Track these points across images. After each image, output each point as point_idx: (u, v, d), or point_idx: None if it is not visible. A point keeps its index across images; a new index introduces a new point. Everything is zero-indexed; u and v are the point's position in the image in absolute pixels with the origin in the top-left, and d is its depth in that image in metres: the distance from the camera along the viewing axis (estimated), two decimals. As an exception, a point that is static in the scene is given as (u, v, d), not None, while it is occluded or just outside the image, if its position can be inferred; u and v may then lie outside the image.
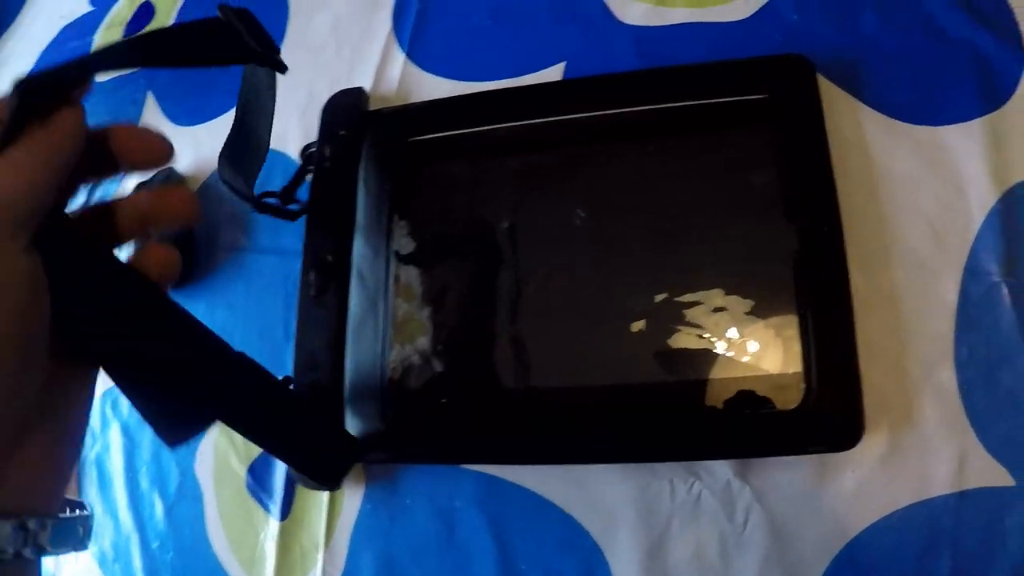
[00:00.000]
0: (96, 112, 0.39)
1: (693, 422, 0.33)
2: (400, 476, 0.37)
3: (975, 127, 0.36)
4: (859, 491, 0.33)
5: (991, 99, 0.36)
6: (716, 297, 0.33)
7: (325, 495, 0.37)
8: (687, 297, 0.33)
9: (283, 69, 0.24)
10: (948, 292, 0.34)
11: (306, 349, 0.36)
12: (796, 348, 0.32)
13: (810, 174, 0.34)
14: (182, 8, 0.51)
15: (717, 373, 0.33)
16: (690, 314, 0.33)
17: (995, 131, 0.36)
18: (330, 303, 0.36)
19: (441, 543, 0.36)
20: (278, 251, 0.41)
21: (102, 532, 0.42)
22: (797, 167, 0.34)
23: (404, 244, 0.37)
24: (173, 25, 0.31)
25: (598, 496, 0.34)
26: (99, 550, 0.42)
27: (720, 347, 0.33)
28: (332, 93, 0.40)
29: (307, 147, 0.40)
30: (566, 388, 0.34)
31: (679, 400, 0.33)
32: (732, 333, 0.33)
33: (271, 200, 0.39)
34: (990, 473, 0.33)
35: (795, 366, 0.32)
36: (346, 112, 0.39)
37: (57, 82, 0.17)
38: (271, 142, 0.34)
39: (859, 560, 0.33)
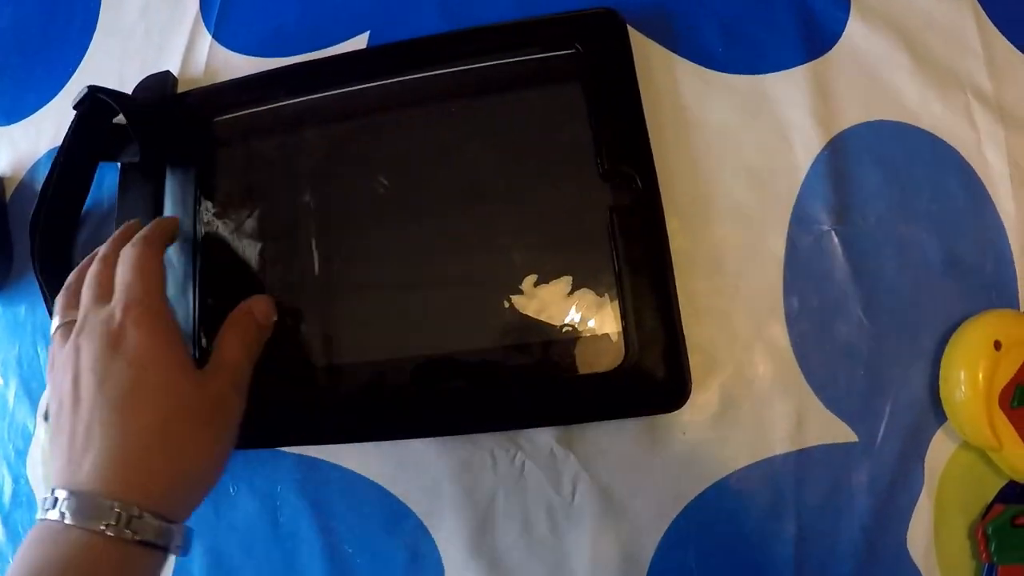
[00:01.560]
0: None
1: (512, 389, 0.32)
2: None
3: (798, 74, 0.36)
4: (692, 454, 0.33)
5: (815, 46, 0.36)
6: (530, 260, 0.33)
7: None
8: (499, 261, 0.33)
9: None
10: (775, 245, 0.34)
11: None
12: (614, 308, 0.32)
13: (622, 127, 0.33)
14: None
15: (533, 337, 0.32)
16: (503, 278, 0.33)
17: (819, 78, 0.36)
18: None
19: (267, 531, 0.35)
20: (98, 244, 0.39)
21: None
22: (609, 121, 0.33)
23: (210, 227, 0.36)
24: None
25: (419, 473, 0.34)
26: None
27: (536, 311, 0.32)
28: (139, 77, 0.40)
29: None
30: (379, 362, 0.33)
31: (497, 368, 0.32)
32: (548, 296, 0.32)
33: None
34: (831, 429, 0.32)
35: (614, 327, 0.31)
36: (152, 96, 0.39)
37: None
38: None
39: (697, 525, 0.32)
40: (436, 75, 0.35)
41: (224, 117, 0.37)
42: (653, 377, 0.31)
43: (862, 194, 0.34)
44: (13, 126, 0.46)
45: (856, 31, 0.36)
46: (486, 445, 0.33)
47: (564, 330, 0.32)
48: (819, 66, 0.36)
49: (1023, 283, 0.33)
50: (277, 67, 0.38)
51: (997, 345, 0.31)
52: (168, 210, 0.37)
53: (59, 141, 0.42)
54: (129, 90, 0.39)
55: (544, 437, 0.33)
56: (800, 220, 0.34)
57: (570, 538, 0.32)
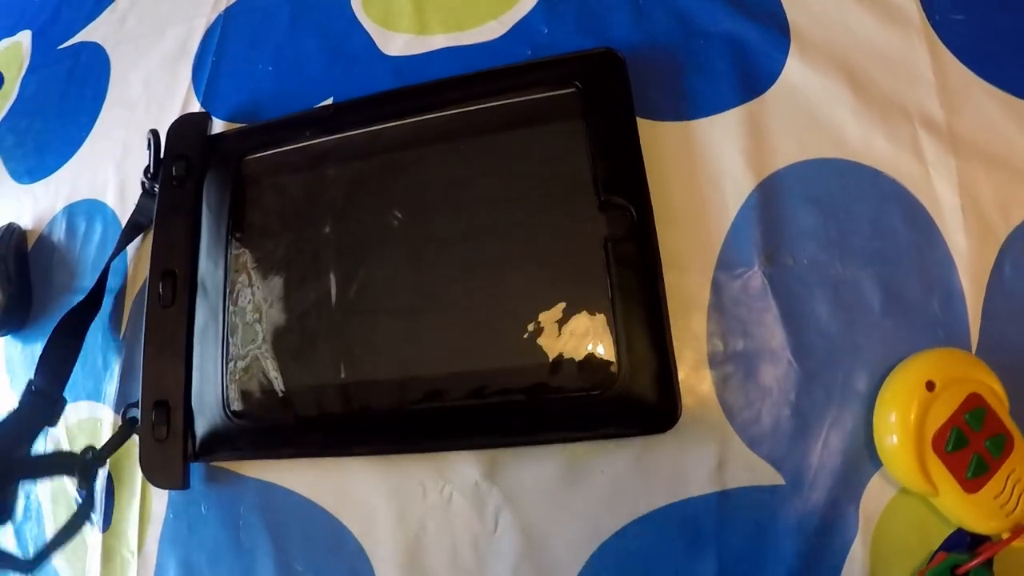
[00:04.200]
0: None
1: (506, 408, 0.36)
2: (195, 485, 0.42)
3: (730, 117, 0.39)
4: (611, 491, 0.36)
5: (750, 88, 0.39)
6: (530, 287, 0.37)
7: (136, 505, 0.44)
8: (500, 288, 0.37)
9: None
10: (700, 289, 0.37)
11: (155, 356, 0.43)
12: (609, 333, 0.35)
13: (619, 160, 0.37)
14: (26, 73, 0.62)
15: (530, 359, 0.36)
16: (504, 304, 0.37)
17: (753, 120, 0.39)
18: (176, 314, 0.43)
19: (230, 548, 0.41)
20: (98, 291, 0.49)
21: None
22: (606, 155, 0.37)
23: (240, 255, 0.43)
24: None
25: (359, 498, 0.39)
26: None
27: (534, 335, 0.36)
28: (142, 145, 0.48)
29: (147, 169, 0.47)
30: (384, 381, 0.38)
31: (492, 388, 0.36)
32: (546, 321, 0.36)
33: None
34: (755, 472, 0.35)
35: (608, 350, 0.35)
36: (190, 134, 0.46)
37: None
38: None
39: (615, 561, 0.35)
40: (447, 116, 0.41)
41: (254, 156, 0.44)
42: (645, 400, 0.34)
43: (793, 235, 0.37)
44: (35, 184, 0.56)
45: (794, 70, 0.39)
46: (416, 475, 0.38)
47: (560, 353, 0.36)
48: (753, 107, 0.39)
49: (975, 320, 0.35)
50: (308, 110, 0.45)
51: (930, 386, 0.33)
52: (204, 237, 0.44)
53: (74, 199, 0.51)
54: (134, 156, 0.48)
55: (470, 471, 0.37)
56: (726, 264, 0.37)
57: (493, 568, 0.36)
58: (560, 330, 0.36)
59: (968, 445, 0.32)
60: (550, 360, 0.36)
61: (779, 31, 0.40)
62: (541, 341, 0.36)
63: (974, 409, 0.33)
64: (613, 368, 0.35)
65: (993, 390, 0.33)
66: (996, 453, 0.32)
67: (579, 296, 0.36)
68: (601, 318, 0.36)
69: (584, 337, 0.36)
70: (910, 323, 0.35)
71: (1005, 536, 0.32)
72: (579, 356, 0.36)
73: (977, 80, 0.38)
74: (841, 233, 0.37)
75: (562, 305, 0.36)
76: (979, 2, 0.40)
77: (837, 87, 0.39)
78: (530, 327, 0.36)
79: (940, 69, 0.38)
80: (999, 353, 0.35)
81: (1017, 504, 0.32)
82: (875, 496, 0.34)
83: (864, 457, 0.34)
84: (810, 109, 0.39)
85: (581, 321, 0.36)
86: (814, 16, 0.40)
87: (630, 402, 0.35)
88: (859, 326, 0.36)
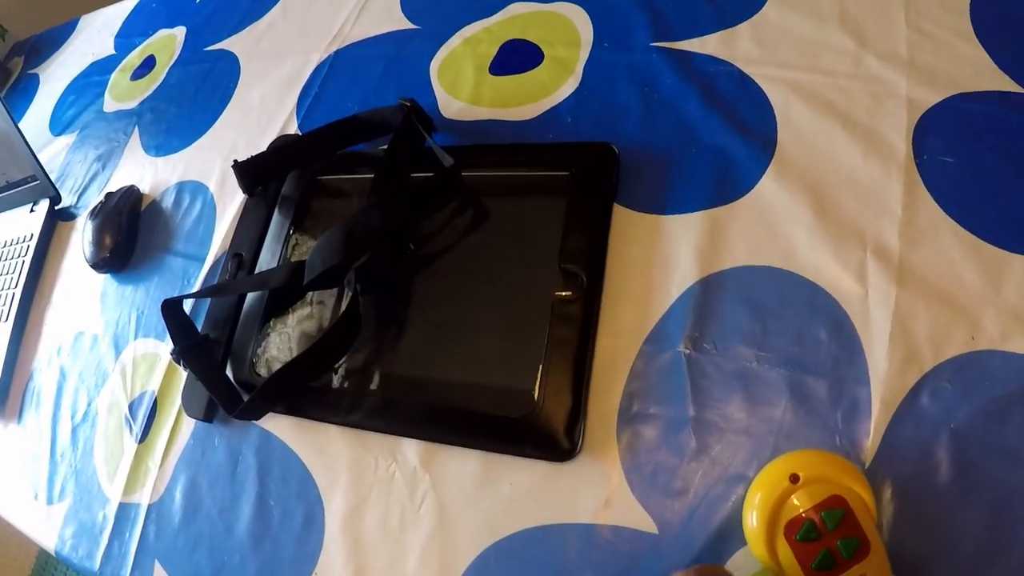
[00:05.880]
0: (97, 132, 0.74)
1: (451, 413, 0.50)
2: (215, 421, 0.58)
3: (694, 218, 0.49)
4: (511, 501, 0.46)
5: (722, 196, 0.49)
6: (493, 322, 0.51)
7: (168, 428, 0.60)
8: (469, 317, 0.51)
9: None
10: (628, 356, 0.47)
11: (214, 311, 0.61)
12: (538, 374, 0.47)
13: (584, 235, 0.50)
14: (174, 63, 0.82)
15: (475, 378, 0.50)
16: (468, 331, 0.51)
17: (715, 223, 0.48)
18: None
19: (227, 477, 0.55)
20: (185, 255, 0.67)
21: (27, 443, 0.68)
22: (576, 229, 0.50)
23: (292, 254, 0.59)
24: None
25: (330, 459, 0.52)
26: (23, 457, 0.68)
27: (483, 360, 0.50)
28: (248, 148, 0.65)
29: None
30: (365, 371, 0.54)
31: (446, 394, 0.50)
32: (494, 350, 0.50)
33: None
34: (635, 517, 0.43)
35: (533, 387, 0.47)
36: (282, 148, 0.64)
37: None
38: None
39: (503, 559, 0.45)
40: (472, 175, 0.56)
41: (323, 177, 0.61)
42: (552, 432, 0.46)
43: (720, 327, 0.45)
44: (158, 158, 0.75)
45: (767, 186, 0.48)
46: (374, 451, 0.51)
47: (495, 379, 0.49)
48: (719, 213, 0.48)
49: (876, 438, 0.41)
50: (371, 151, 0.62)
51: (794, 478, 0.39)
52: (270, 234, 0.61)
53: (185, 177, 0.70)
54: (237, 153, 0.64)
55: (413, 457, 0.50)
56: (655, 339, 0.46)
57: (410, 537, 0.48)
58: (502, 361, 0.49)
59: (819, 539, 0.38)
60: (487, 383, 0.49)
61: (764, 150, 0.50)
62: (485, 366, 0.49)
63: (832, 509, 0.38)
64: (533, 401, 0.47)
65: (861, 498, 0.39)
66: (847, 554, 0.37)
67: (525, 337, 0.49)
68: (535, 359, 0.48)
69: (517, 371, 0.48)
70: (809, 425, 0.42)
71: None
72: (509, 384, 0.48)
73: (947, 219, 0.45)
74: (765, 334, 0.45)
75: (509, 341, 0.49)
76: (971, 148, 0.46)
77: (800, 206, 0.47)
78: (480, 353, 0.50)
79: (910, 204, 0.46)
80: (891, 473, 0.40)
81: (865, 606, 0.35)
82: (739, 567, 0.41)
83: (736, 530, 0.41)
84: (770, 222, 0.47)
85: (519, 358, 0.49)
86: (803, 141, 0.50)
87: (540, 431, 0.46)
88: (759, 417, 0.43)
